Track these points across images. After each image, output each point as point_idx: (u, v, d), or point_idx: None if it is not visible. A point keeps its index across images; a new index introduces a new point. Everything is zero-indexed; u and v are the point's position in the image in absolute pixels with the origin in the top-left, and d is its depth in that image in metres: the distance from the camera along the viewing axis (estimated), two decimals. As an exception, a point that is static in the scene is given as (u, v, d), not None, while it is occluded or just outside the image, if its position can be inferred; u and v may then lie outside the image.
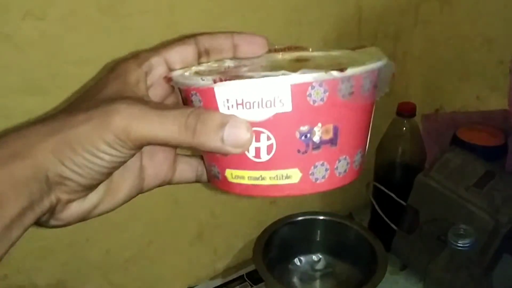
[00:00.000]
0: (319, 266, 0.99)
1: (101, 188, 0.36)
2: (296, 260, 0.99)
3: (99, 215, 0.38)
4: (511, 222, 0.79)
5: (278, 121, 0.31)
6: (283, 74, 0.30)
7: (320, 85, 0.31)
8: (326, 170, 0.35)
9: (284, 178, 0.33)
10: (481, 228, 0.75)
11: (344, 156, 0.36)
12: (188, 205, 0.88)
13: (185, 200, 0.87)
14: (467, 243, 0.64)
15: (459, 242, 0.64)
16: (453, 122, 1.04)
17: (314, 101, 0.31)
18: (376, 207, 0.97)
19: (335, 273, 0.97)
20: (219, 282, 0.96)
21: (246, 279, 0.96)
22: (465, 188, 0.83)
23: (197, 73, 0.36)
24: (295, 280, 0.97)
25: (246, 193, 0.34)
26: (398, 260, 1.00)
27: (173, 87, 0.37)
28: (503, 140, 0.92)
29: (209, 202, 0.91)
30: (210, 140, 0.30)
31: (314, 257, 1.00)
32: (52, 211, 0.33)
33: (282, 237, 0.96)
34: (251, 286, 0.95)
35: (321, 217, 0.98)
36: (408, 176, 0.92)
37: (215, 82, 0.31)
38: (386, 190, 0.95)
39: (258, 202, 0.99)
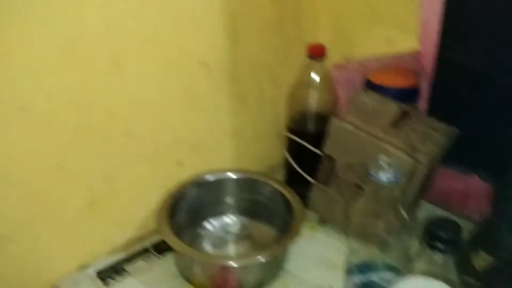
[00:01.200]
0: (233, 228, 0.92)
1: None
2: (207, 224, 0.91)
3: None
4: (430, 161, 0.77)
5: None
6: None
7: None
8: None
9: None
10: (400, 169, 0.72)
11: None
12: (75, 168, 0.76)
13: (71, 162, 0.75)
14: (390, 176, 0.59)
15: (380, 175, 0.60)
16: (364, 69, 1.01)
17: None
18: (290, 160, 0.91)
19: (250, 234, 0.91)
20: (119, 256, 0.85)
21: (151, 251, 0.86)
22: (382, 129, 0.80)
23: None
24: (207, 245, 0.89)
25: None
26: (317, 215, 0.95)
27: None
28: (415, 82, 0.90)
29: (102, 164, 0.79)
30: None
31: (227, 220, 0.93)
32: None
33: (189, 200, 0.88)
34: (158, 257, 0.85)
35: (232, 175, 0.91)
36: (322, 125, 0.87)
37: None
38: (300, 140, 0.89)
39: (161, 163, 0.89)
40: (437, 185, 0.93)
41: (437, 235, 0.50)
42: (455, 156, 0.92)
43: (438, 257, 0.51)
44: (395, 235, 0.67)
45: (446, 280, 0.53)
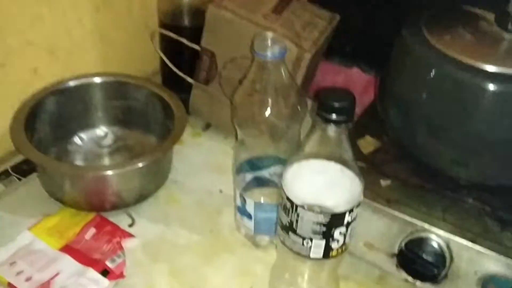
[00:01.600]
0: (106, 141, 0.83)
1: None
2: (76, 139, 0.80)
3: None
4: (315, 48, 0.73)
5: None
6: None
7: None
8: None
9: None
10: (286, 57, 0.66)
11: None
12: None
13: None
14: (275, 52, 0.54)
15: (264, 52, 0.54)
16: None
17: None
18: (165, 60, 0.82)
19: (127, 145, 0.82)
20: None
21: (12, 173, 0.74)
22: (264, 16, 0.73)
23: None
24: (78, 162, 0.78)
25: None
26: (200, 120, 0.89)
27: None
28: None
29: None
30: None
31: (99, 132, 0.82)
32: None
33: (50, 111, 0.76)
34: (20, 179, 0.74)
35: (99, 80, 0.79)
36: (199, 17, 0.78)
37: None
38: (175, 36, 0.80)
39: (13, 72, 0.75)
40: (319, 80, 0.91)
41: (330, 105, 0.45)
42: (336, 49, 0.90)
43: (332, 131, 0.47)
44: (285, 125, 0.62)
45: (340, 160, 0.51)
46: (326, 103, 0.47)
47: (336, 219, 0.52)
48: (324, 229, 0.52)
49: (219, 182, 0.81)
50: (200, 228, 0.75)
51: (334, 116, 0.47)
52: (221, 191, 0.80)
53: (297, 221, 0.53)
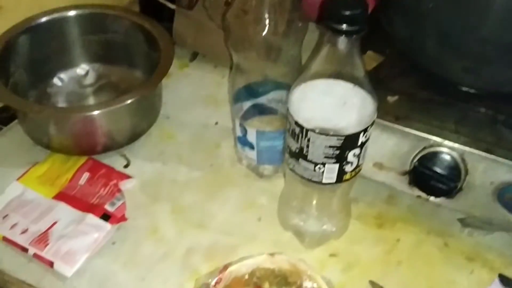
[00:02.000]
0: (88, 80, 0.76)
1: None
2: (56, 80, 0.74)
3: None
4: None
5: None
6: None
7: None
8: None
9: None
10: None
11: None
12: None
13: None
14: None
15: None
16: None
17: None
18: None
19: (111, 83, 0.77)
20: None
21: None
22: None
23: None
24: (61, 104, 0.73)
25: None
26: (185, 50, 0.83)
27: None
28: None
29: None
30: None
31: (79, 70, 0.76)
32: None
33: (24, 52, 0.70)
34: (0, 129, 0.69)
35: (73, 13, 0.72)
36: None
37: None
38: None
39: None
40: None
41: (339, 14, 0.40)
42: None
43: (342, 44, 0.43)
44: (284, 44, 0.57)
45: (351, 78, 0.46)
46: (335, 11, 0.42)
47: (350, 141, 0.48)
48: (337, 152, 0.49)
49: (214, 114, 0.77)
50: (199, 164, 0.71)
51: (344, 26, 0.42)
52: (216, 123, 0.76)
53: (307, 146, 0.49)
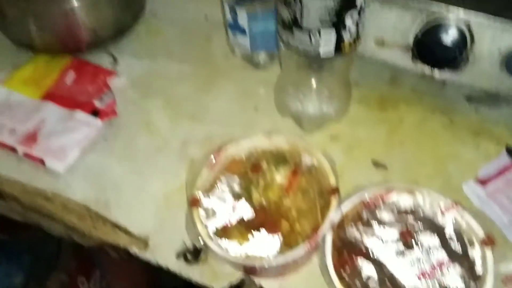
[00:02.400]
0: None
1: None
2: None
3: None
4: None
5: None
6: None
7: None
8: None
9: None
10: None
11: None
12: None
13: None
14: None
15: None
16: None
17: None
18: None
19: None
20: None
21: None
22: None
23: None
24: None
25: None
26: None
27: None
28: None
29: None
30: None
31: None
32: None
33: None
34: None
35: None
36: None
37: None
38: None
39: None
40: None
41: None
42: None
43: None
44: None
45: None
46: None
47: (347, 0, 0.44)
48: (334, 14, 0.45)
49: (202, 7, 0.72)
50: (191, 58, 0.68)
51: None
52: (206, 17, 0.72)
53: (301, 11, 0.45)
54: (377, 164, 0.55)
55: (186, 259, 0.49)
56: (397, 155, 0.56)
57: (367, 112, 0.61)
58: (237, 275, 0.48)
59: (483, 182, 0.53)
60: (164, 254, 0.50)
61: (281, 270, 0.45)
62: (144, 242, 0.51)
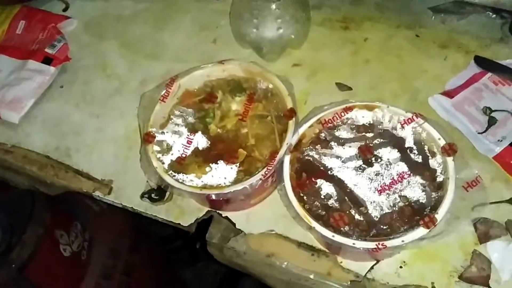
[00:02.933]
0: None
1: None
2: None
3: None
4: None
5: None
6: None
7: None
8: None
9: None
10: None
11: None
12: None
13: None
14: None
15: None
16: None
17: None
18: None
19: None
20: None
21: None
22: None
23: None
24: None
25: None
26: None
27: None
28: None
29: None
30: None
31: None
32: None
33: None
34: None
35: None
36: None
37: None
38: None
39: None
40: None
41: None
42: None
43: None
44: None
45: None
46: None
47: None
48: None
49: None
50: (145, -5, 0.64)
51: None
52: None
53: None
54: (341, 86, 0.53)
55: (151, 198, 0.48)
56: (362, 75, 0.54)
57: (330, 34, 0.58)
58: (204, 211, 0.47)
59: (450, 94, 0.51)
60: (129, 196, 0.49)
61: (245, 201, 0.44)
62: (107, 186, 0.50)
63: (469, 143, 0.47)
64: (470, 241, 0.42)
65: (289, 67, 0.56)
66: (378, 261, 0.42)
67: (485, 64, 0.53)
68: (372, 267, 0.41)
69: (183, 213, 0.47)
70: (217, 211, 0.46)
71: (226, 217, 0.46)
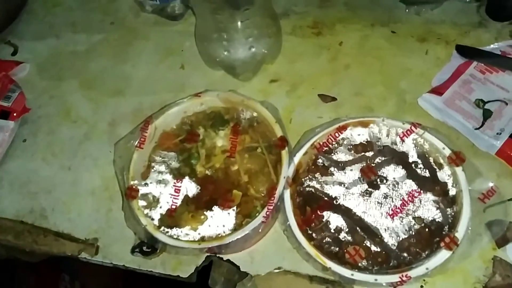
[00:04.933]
0: None
1: None
2: None
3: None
4: None
5: None
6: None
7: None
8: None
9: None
10: None
11: None
12: None
13: None
14: None
15: None
16: None
17: None
18: None
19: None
20: None
21: None
22: None
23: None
24: None
25: None
26: None
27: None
28: None
29: None
30: None
31: None
32: None
33: None
34: None
35: None
36: None
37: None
38: None
39: None
40: None
41: None
42: None
43: None
44: None
45: None
46: None
47: None
48: None
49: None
50: (98, 25, 0.60)
51: None
52: (105, -26, 0.63)
53: None
54: (325, 98, 0.50)
55: (143, 252, 0.44)
56: (344, 83, 0.51)
57: (303, 42, 0.55)
58: (202, 257, 0.44)
59: (438, 91, 0.48)
60: (118, 253, 0.45)
61: (247, 241, 0.41)
62: (93, 246, 0.45)
63: (468, 141, 0.45)
64: (488, 247, 0.40)
65: (266, 84, 0.52)
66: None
67: (468, 53, 0.51)
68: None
69: (180, 263, 0.44)
70: (217, 255, 0.43)
71: (228, 260, 0.43)
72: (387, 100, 0.49)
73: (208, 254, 0.43)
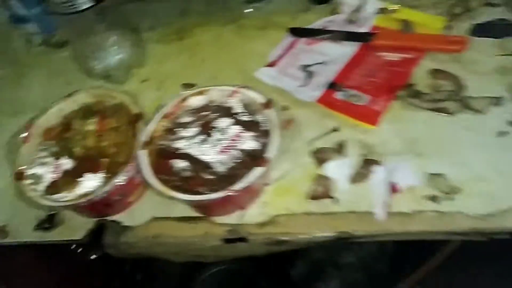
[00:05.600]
0: None
1: None
2: None
3: None
4: None
5: None
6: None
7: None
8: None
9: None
10: None
11: None
12: None
13: None
14: None
15: None
16: None
17: None
18: None
19: None
20: None
21: None
22: None
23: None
24: None
25: None
26: None
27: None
28: None
29: None
30: None
31: None
32: None
33: None
34: None
35: None
36: None
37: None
38: None
39: None
40: None
41: None
42: None
43: None
44: None
45: None
46: None
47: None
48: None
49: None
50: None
51: None
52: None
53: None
54: (187, 86, 0.61)
55: (44, 228, 0.53)
56: (203, 72, 0.63)
57: (169, 47, 0.66)
58: (92, 223, 0.52)
59: (273, 63, 0.60)
60: (24, 233, 0.53)
61: (123, 200, 0.50)
62: (2, 231, 0.54)
63: (295, 96, 0.56)
64: (313, 169, 0.50)
65: (138, 84, 0.63)
66: (244, 209, 0.49)
67: (298, 32, 0.63)
68: (241, 215, 0.49)
69: (74, 230, 0.52)
70: (104, 218, 0.52)
71: (113, 221, 0.52)
72: (234, 79, 0.60)
73: (97, 218, 0.52)
